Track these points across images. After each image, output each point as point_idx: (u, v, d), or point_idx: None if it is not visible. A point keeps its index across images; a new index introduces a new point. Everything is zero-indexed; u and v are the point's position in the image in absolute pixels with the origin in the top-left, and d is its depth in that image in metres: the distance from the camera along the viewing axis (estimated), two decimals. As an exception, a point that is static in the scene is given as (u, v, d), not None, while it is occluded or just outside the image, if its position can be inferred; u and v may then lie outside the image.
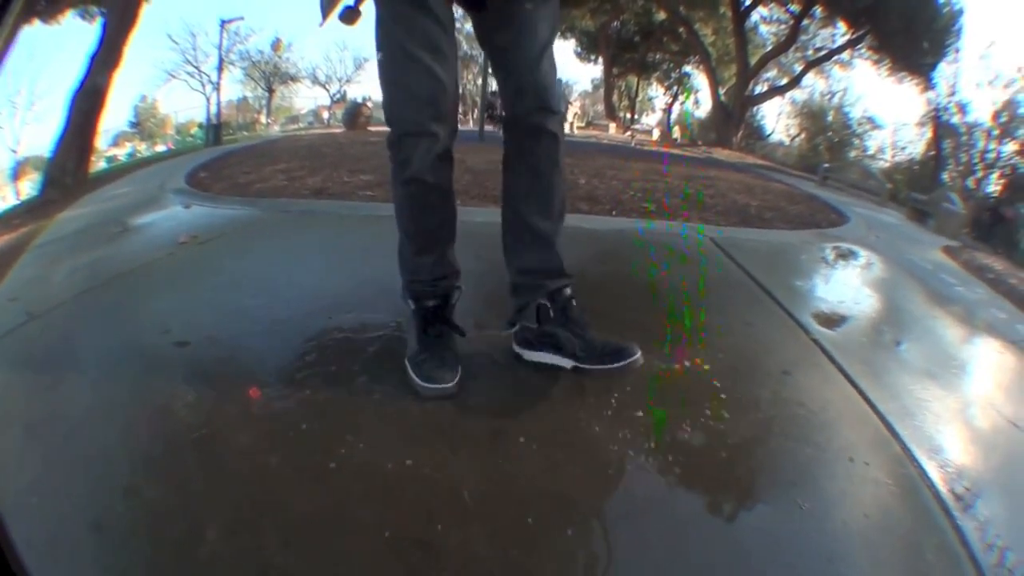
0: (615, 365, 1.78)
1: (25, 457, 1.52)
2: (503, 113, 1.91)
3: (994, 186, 21.47)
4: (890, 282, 4.40)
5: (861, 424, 1.87)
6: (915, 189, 14.44)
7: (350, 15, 1.89)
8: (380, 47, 1.73)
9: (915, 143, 25.18)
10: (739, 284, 3.06)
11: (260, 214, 4.32)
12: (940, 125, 22.77)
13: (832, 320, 2.76)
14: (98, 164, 11.97)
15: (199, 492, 1.40)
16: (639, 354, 1.78)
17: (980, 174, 21.69)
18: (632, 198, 5.42)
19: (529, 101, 1.79)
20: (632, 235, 3.71)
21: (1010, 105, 20.98)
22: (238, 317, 2.26)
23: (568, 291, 1.90)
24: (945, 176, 22.01)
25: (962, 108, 22.39)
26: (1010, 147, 21.03)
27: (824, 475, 1.59)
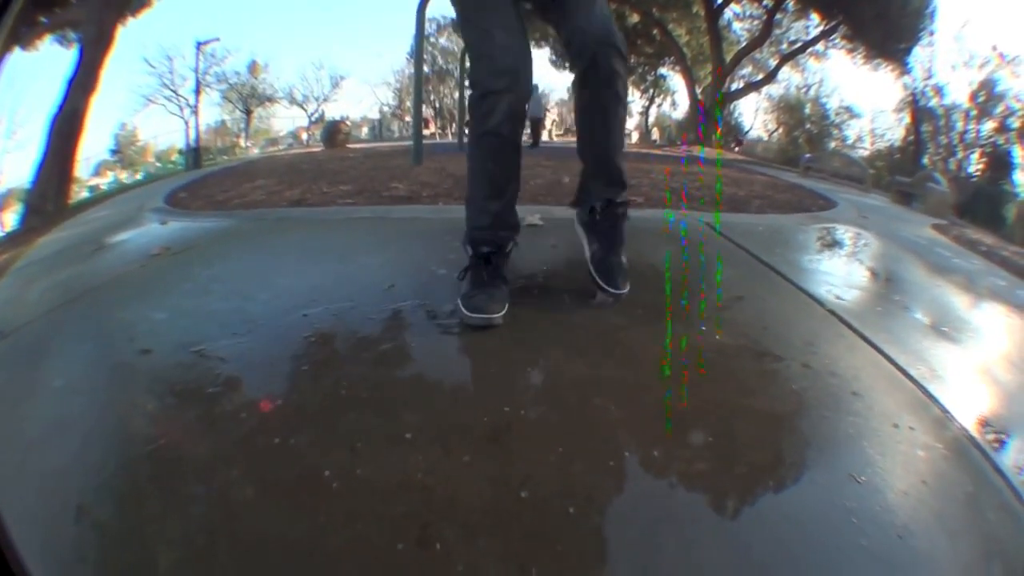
0: (602, 285, 2.07)
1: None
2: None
3: (975, 166, 21.73)
4: (890, 256, 4.36)
5: (896, 390, 1.79)
6: (897, 174, 14.60)
7: None
8: (463, 25, 2.12)
9: (894, 129, 25.31)
10: (742, 263, 2.95)
11: (235, 224, 4.24)
12: (918, 109, 23.02)
13: (844, 292, 2.67)
14: (80, 194, 11.94)
15: (169, 506, 1.28)
16: (624, 292, 2.06)
17: (960, 155, 21.90)
18: None
19: (591, 38, 2.02)
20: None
21: (987, 84, 21.21)
22: (208, 321, 2.16)
23: (621, 210, 2.25)
24: (926, 160, 22.22)
25: (939, 91, 22.56)
26: (989, 126, 21.25)
27: (873, 445, 1.49)
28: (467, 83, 2.13)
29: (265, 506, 1.24)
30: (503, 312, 1.89)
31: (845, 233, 4.62)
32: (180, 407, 1.61)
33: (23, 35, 13.68)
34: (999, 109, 20.49)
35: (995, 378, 2.21)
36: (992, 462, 1.51)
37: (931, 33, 21.98)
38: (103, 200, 10.04)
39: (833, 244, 4.20)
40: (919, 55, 22.37)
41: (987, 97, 20.52)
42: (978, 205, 16.26)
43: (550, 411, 1.53)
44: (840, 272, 3.24)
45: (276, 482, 1.29)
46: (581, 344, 1.86)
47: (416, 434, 1.40)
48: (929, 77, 22.56)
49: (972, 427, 1.63)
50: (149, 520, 1.24)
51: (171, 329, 2.11)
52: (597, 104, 2.13)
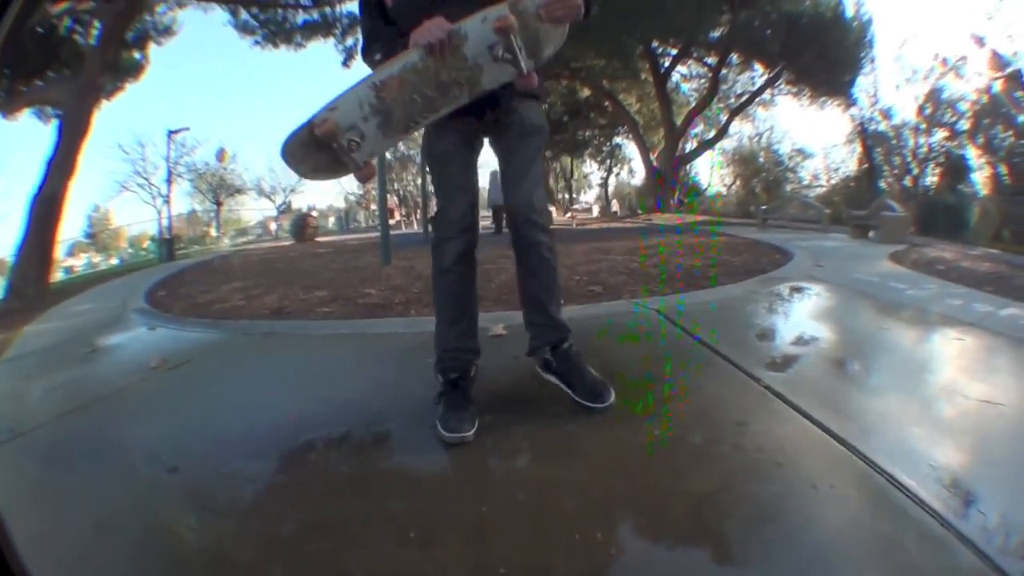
0: (592, 405, 2.39)
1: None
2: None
3: (931, 178, 22.13)
4: (838, 308, 4.60)
5: (821, 453, 2.02)
6: (854, 206, 14.82)
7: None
8: (431, 176, 2.54)
9: (847, 161, 25.95)
10: (689, 350, 3.22)
11: (225, 337, 4.52)
12: (868, 136, 23.66)
13: (783, 363, 2.93)
14: (55, 274, 12.14)
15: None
16: (612, 399, 2.38)
17: (916, 171, 22.43)
18: (577, 284, 5.58)
19: (519, 218, 2.40)
20: (579, 322, 3.84)
21: (932, 95, 21.87)
22: (224, 443, 2.45)
23: (567, 345, 2.51)
24: (882, 184, 22.64)
25: (886, 113, 23.32)
26: (939, 136, 21.80)
27: (790, 508, 1.72)
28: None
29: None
30: (474, 429, 2.23)
31: (795, 292, 4.86)
32: (215, 522, 1.87)
33: (4, 102, 14.17)
34: (947, 116, 20.90)
35: (933, 414, 2.42)
36: (916, 498, 1.70)
37: (872, 60, 22.49)
38: (83, 286, 10.48)
39: (781, 308, 4.44)
40: (862, 84, 22.87)
41: (934, 107, 21.02)
42: (938, 217, 16.57)
43: (518, 508, 1.82)
44: (785, 340, 3.46)
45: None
46: (541, 449, 2.19)
47: (417, 532, 1.71)
48: (875, 102, 22.98)
49: (898, 471, 1.83)
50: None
51: (190, 448, 2.41)
52: (528, 267, 2.49)
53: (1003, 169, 20.33)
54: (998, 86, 20.68)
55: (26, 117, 16.26)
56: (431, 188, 2.65)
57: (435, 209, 2.51)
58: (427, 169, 2.68)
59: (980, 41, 20.93)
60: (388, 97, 2.13)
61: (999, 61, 20.43)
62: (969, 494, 1.74)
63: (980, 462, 2.01)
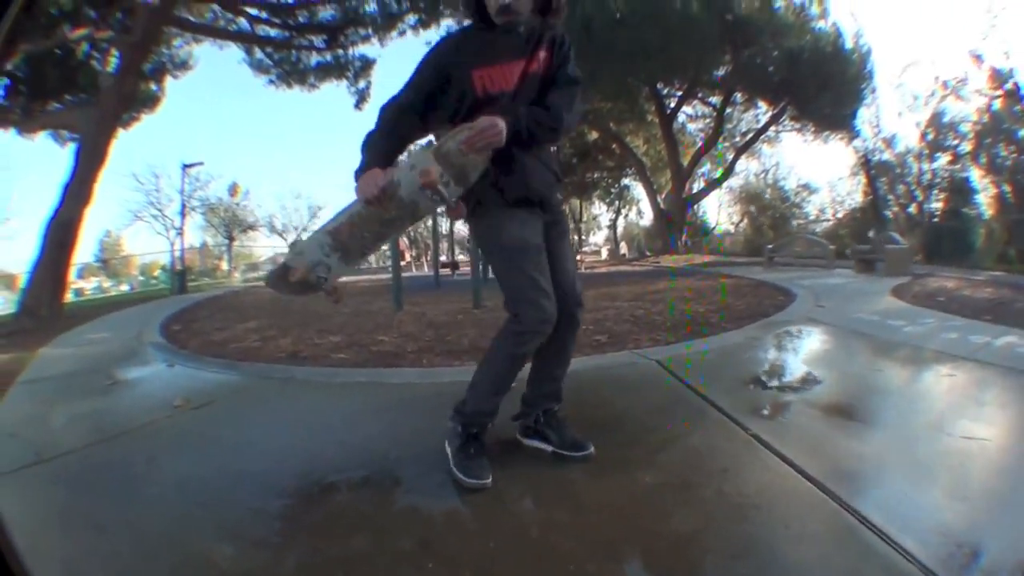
0: (576, 454, 2.66)
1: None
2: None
3: (936, 202, 22.18)
4: (833, 351, 4.74)
5: (797, 496, 2.19)
6: (860, 239, 14.92)
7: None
8: (505, 267, 2.51)
9: (853, 193, 26.04)
10: (682, 400, 3.41)
11: (245, 380, 4.68)
12: (872, 166, 23.76)
13: (773, 411, 3.11)
14: (67, 295, 12.41)
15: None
16: (592, 449, 2.66)
17: (920, 197, 22.49)
18: (584, 333, 5.55)
19: (572, 301, 2.59)
20: (583, 373, 3.96)
21: (934, 120, 22.02)
22: (251, 482, 2.62)
23: (556, 408, 2.78)
24: (888, 213, 22.73)
25: (889, 142, 23.53)
26: (943, 160, 21.90)
27: (762, 546, 1.90)
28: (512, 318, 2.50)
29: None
30: (490, 479, 2.43)
31: (793, 336, 5.03)
32: (248, 556, 2.03)
33: (20, 120, 14.50)
34: (950, 139, 21.02)
35: (911, 454, 2.56)
36: (886, 538, 1.84)
37: (873, 90, 22.67)
38: (94, 312, 10.79)
39: (777, 354, 4.59)
40: (864, 115, 23.05)
41: (936, 132, 21.13)
42: (943, 243, 16.61)
43: (521, 543, 2.02)
44: (776, 387, 3.58)
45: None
46: (542, 493, 2.39)
47: (435, 563, 1.92)
48: (878, 132, 23.12)
49: (870, 510, 2.00)
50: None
51: (220, 487, 2.60)
52: (564, 345, 2.68)
53: (1007, 188, 20.51)
54: (998, 103, 20.99)
55: (43, 138, 16.71)
56: (494, 265, 2.64)
57: (515, 298, 2.48)
58: (492, 254, 2.64)
59: (979, 59, 21.33)
60: (342, 238, 2.53)
61: (998, 77, 20.71)
62: (940, 529, 1.90)
63: (955, 498, 2.15)
